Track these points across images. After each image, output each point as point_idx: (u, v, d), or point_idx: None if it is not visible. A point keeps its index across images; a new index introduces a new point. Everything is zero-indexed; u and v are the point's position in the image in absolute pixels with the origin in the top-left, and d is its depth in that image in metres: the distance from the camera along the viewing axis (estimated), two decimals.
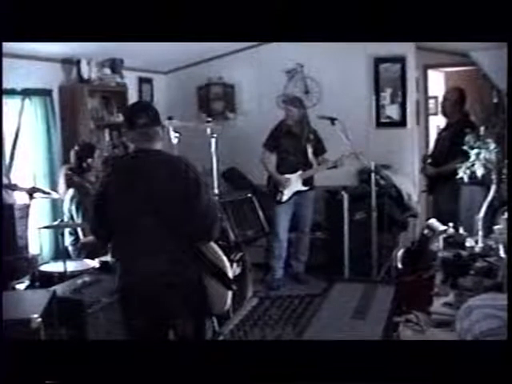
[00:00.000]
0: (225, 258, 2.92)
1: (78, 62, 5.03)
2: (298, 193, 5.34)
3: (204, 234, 2.76)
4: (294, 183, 5.31)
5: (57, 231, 4.28)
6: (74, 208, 4.30)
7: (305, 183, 5.34)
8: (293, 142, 5.32)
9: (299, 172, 5.31)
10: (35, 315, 2.74)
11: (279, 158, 5.38)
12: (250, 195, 5.11)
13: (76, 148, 4.44)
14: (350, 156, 4.95)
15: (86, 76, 5.07)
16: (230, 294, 2.85)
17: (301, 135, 5.31)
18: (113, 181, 2.78)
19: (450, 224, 3.25)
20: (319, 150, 5.39)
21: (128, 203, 2.67)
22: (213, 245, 2.87)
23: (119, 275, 2.78)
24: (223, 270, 2.83)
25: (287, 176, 5.29)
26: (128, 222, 2.69)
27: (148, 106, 3.08)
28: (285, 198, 5.32)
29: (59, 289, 3.30)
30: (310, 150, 5.34)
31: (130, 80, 5.86)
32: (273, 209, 5.32)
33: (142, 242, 2.67)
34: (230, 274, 2.91)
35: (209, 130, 4.62)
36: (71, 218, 4.33)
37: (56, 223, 4.00)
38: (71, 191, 4.34)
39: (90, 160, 4.39)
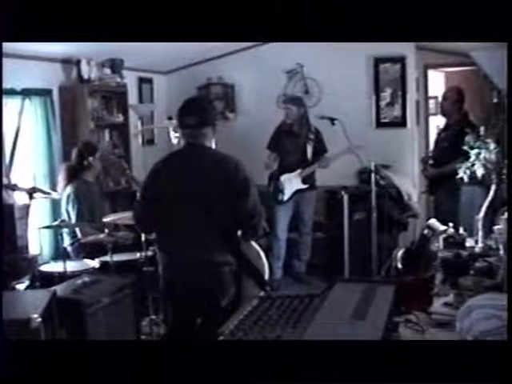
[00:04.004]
0: (265, 262, 3.15)
1: (78, 62, 5.03)
2: (298, 192, 5.35)
3: (249, 232, 2.90)
4: (294, 182, 5.32)
5: (57, 231, 4.28)
6: (70, 207, 4.30)
7: (304, 181, 5.34)
8: (293, 141, 5.35)
9: (298, 171, 5.32)
10: (35, 315, 2.74)
11: (280, 157, 5.42)
12: None
13: (79, 145, 4.48)
14: (347, 151, 4.97)
15: (86, 76, 5.07)
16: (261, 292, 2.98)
17: (300, 134, 5.33)
18: (163, 173, 2.85)
19: (450, 224, 3.25)
20: (320, 149, 5.40)
21: (177, 196, 2.75)
22: (257, 248, 3.10)
23: (163, 266, 2.87)
24: (261, 273, 3.01)
25: (287, 175, 5.30)
26: (175, 215, 2.77)
27: (197, 107, 2.88)
28: (286, 197, 5.34)
29: (59, 289, 3.31)
30: (309, 150, 5.35)
31: (130, 80, 5.86)
32: (272, 209, 5.33)
33: (189, 235, 2.75)
34: (267, 277, 3.12)
35: None
36: (68, 217, 4.33)
37: (56, 223, 4.00)
38: (68, 189, 4.34)
39: (91, 158, 4.42)
